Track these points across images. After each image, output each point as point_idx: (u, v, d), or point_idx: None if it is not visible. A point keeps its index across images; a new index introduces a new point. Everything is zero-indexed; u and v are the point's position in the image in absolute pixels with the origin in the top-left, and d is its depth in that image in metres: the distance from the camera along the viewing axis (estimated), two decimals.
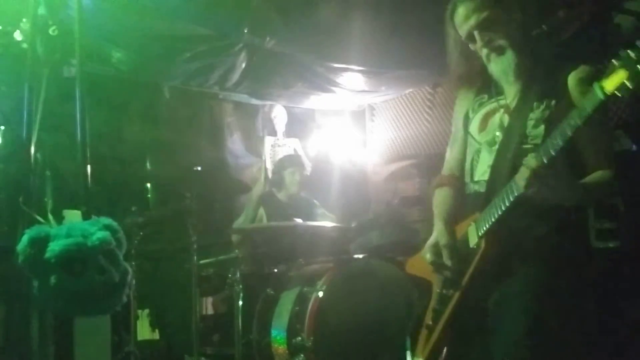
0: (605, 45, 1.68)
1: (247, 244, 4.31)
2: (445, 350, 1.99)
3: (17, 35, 2.17)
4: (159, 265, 4.71)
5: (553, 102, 1.90)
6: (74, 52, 1.95)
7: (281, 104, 5.65)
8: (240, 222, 4.45)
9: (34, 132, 1.86)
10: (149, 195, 4.60)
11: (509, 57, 1.98)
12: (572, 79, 1.90)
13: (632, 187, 3.09)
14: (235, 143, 5.46)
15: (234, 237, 4.39)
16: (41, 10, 1.94)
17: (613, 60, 1.51)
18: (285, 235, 4.19)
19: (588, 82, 1.75)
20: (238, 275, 3.64)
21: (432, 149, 5.38)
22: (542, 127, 1.89)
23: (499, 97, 2.07)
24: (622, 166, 1.92)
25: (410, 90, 5.58)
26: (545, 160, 1.68)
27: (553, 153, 1.66)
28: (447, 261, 2.00)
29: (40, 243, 1.67)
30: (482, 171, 2.03)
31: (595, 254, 2.90)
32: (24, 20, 2.06)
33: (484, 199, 1.95)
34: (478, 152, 2.07)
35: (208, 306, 4.32)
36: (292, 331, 3.44)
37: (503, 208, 1.82)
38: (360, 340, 3.41)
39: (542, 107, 1.92)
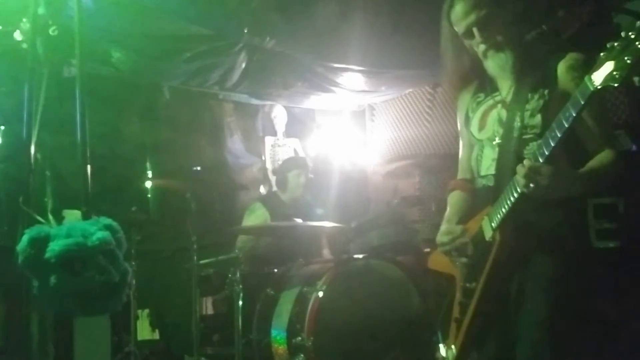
0: (603, 46, 1.70)
1: (255, 246, 4.32)
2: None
3: (17, 35, 2.17)
4: (159, 265, 4.71)
5: (546, 91, 1.96)
6: (74, 52, 1.95)
7: (281, 104, 5.65)
8: (239, 244, 4.42)
9: (34, 132, 1.86)
10: (149, 195, 4.60)
11: (507, 53, 2.03)
12: (561, 67, 1.95)
13: (632, 187, 3.09)
14: (235, 143, 5.46)
15: (242, 240, 4.38)
16: (41, 10, 1.93)
17: (601, 53, 1.58)
18: (285, 235, 4.20)
19: (577, 68, 1.87)
20: (238, 275, 3.64)
21: (432, 149, 5.38)
22: (539, 116, 1.95)
23: (494, 94, 2.13)
24: (622, 166, 1.93)
25: (410, 90, 5.58)
26: (546, 152, 1.73)
27: (552, 144, 1.73)
28: (457, 229, 2.10)
29: (40, 243, 1.67)
30: (487, 165, 2.09)
31: (596, 253, 2.92)
32: (24, 20, 2.06)
33: (493, 192, 2.01)
34: (481, 148, 2.13)
35: (208, 306, 4.32)
36: (292, 331, 3.44)
37: (512, 200, 1.88)
38: (360, 340, 3.41)
39: (537, 96, 1.98)
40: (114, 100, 4.54)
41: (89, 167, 1.91)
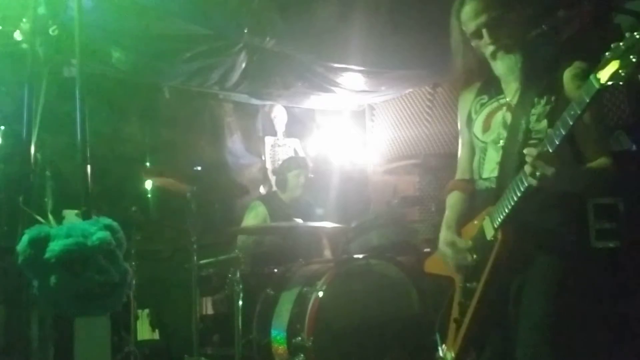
0: (605, 45, 1.71)
1: (255, 245, 4.31)
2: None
3: (17, 35, 2.17)
4: (159, 265, 4.70)
5: (553, 97, 1.97)
6: (74, 52, 1.95)
7: (281, 104, 5.65)
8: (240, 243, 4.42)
9: (34, 132, 1.86)
10: (149, 195, 4.60)
11: (516, 55, 2.04)
12: (567, 75, 1.97)
13: (632, 187, 3.09)
14: (235, 143, 5.46)
15: (241, 239, 4.38)
16: (41, 10, 1.94)
17: (606, 53, 1.61)
18: (285, 235, 4.19)
19: (582, 77, 1.87)
20: (238, 275, 3.64)
21: (432, 149, 5.38)
22: (545, 121, 1.96)
23: (499, 97, 2.13)
24: (622, 166, 1.94)
25: (410, 90, 5.57)
26: (550, 150, 1.75)
27: (557, 142, 1.74)
28: (461, 244, 2.10)
29: (40, 243, 1.67)
30: (490, 168, 2.09)
31: (595, 254, 2.92)
32: (24, 20, 2.06)
33: (495, 194, 2.01)
34: (484, 150, 2.13)
35: (208, 306, 4.32)
36: (292, 331, 3.44)
37: (515, 199, 1.89)
38: (360, 340, 3.41)
39: (543, 102, 1.99)
40: (114, 100, 4.54)
41: (89, 167, 1.91)
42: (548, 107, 1.96)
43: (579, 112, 1.68)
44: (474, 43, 2.09)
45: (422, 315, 3.54)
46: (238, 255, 3.76)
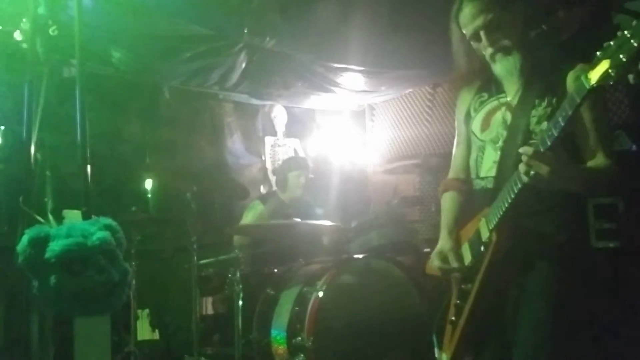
0: (600, 46, 1.72)
1: (251, 244, 4.31)
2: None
3: (17, 35, 2.17)
4: (159, 265, 4.70)
5: (554, 99, 1.95)
6: (74, 52, 1.95)
7: (281, 104, 5.65)
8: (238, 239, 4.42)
9: (34, 132, 1.86)
10: (149, 195, 4.60)
11: (515, 57, 2.03)
12: (570, 77, 1.95)
13: (632, 187, 3.09)
14: (235, 143, 5.46)
15: (237, 239, 4.39)
16: (41, 10, 1.94)
17: (597, 53, 1.60)
18: (285, 234, 4.19)
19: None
20: (238, 275, 3.64)
21: (432, 149, 5.38)
22: (545, 123, 1.94)
23: (499, 95, 2.12)
24: (622, 166, 1.93)
25: (410, 90, 5.57)
26: (542, 149, 1.74)
27: (549, 143, 1.73)
28: (454, 263, 2.09)
29: (40, 243, 1.67)
30: (487, 167, 2.08)
31: (595, 254, 2.92)
32: (24, 20, 2.06)
33: (492, 195, 2.00)
34: (482, 149, 2.12)
35: (208, 306, 4.32)
36: (292, 331, 3.44)
37: (510, 200, 1.87)
38: (360, 340, 3.41)
39: (544, 104, 1.97)
40: (114, 100, 4.54)
41: (89, 167, 1.91)
42: (549, 109, 1.95)
43: (570, 112, 1.67)
44: (474, 46, 2.09)
45: (422, 315, 3.54)
46: (238, 255, 3.76)
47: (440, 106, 5.35)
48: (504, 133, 2.04)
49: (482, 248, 2.00)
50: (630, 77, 1.55)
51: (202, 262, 3.84)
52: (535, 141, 1.92)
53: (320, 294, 3.41)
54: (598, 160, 1.91)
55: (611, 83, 1.58)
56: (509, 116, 2.05)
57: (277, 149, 5.68)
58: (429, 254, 2.28)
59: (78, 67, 1.94)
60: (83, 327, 2.95)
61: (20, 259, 1.67)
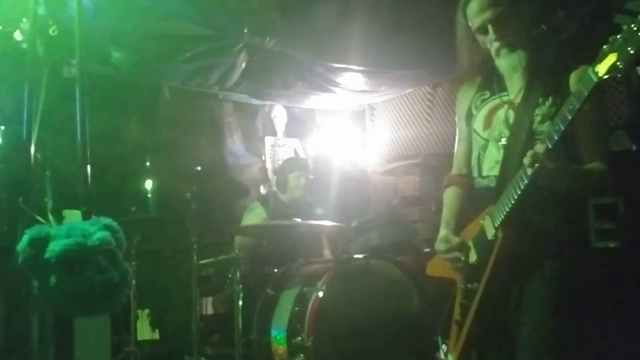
0: (605, 41, 1.73)
1: (252, 245, 4.31)
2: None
3: (17, 35, 2.17)
4: (159, 265, 4.70)
5: (558, 99, 1.96)
6: (74, 52, 1.95)
7: (281, 104, 5.65)
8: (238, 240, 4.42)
9: (34, 132, 1.86)
10: (149, 195, 4.59)
11: (520, 54, 2.04)
12: (573, 78, 1.96)
13: (632, 187, 3.09)
14: (235, 143, 5.46)
15: (238, 240, 4.38)
16: (41, 10, 1.94)
17: (604, 47, 1.63)
18: (285, 235, 4.19)
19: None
20: (238, 275, 3.64)
21: (432, 149, 5.38)
22: (549, 123, 1.95)
23: (501, 94, 2.12)
24: (622, 166, 1.94)
25: (410, 90, 5.57)
26: (549, 145, 1.75)
27: (556, 137, 1.74)
28: (454, 240, 2.12)
29: (40, 243, 1.67)
30: (490, 166, 2.09)
31: (596, 254, 2.92)
32: (24, 20, 2.06)
33: (496, 194, 2.00)
34: (484, 147, 2.12)
35: (208, 306, 4.32)
36: (292, 331, 3.44)
37: (516, 197, 1.88)
38: (360, 340, 3.41)
39: (549, 103, 1.98)
40: (114, 100, 4.54)
41: (89, 167, 1.91)
42: (553, 109, 1.95)
43: (577, 106, 1.68)
44: (479, 39, 2.09)
45: (422, 315, 3.54)
46: (238, 255, 3.76)
47: (440, 106, 5.34)
48: (507, 131, 2.04)
49: (487, 246, 2.00)
50: (639, 69, 1.58)
51: (202, 262, 3.85)
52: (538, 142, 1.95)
53: (320, 294, 3.41)
54: (594, 163, 1.92)
55: (619, 75, 1.61)
56: (511, 114, 2.05)
57: (277, 149, 5.68)
58: (429, 254, 2.28)
59: (78, 67, 1.94)
60: (83, 327, 2.94)
61: (20, 259, 1.67)
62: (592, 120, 1.90)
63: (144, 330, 4.60)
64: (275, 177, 4.98)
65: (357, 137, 6.11)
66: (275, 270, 3.99)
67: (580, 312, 1.95)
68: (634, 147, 3.33)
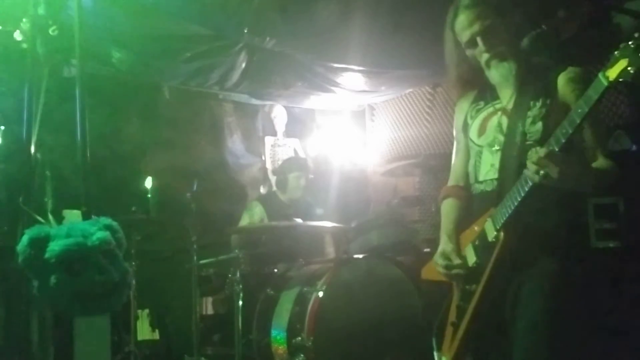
0: (605, 45, 1.75)
1: (248, 245, 4.31)
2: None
3: (17, 35, 2.17)
4: (159, 265, 4.70)
5: (548, 100, 2.00)
6: (74, 52, 1.95)
7: (281, 104, 5.65)
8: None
9: (34, 132, 1.86)
10: (149, 195, 4.59)
11: (510, 63, 2.08)
12: (561, 79, 2.01)
13: (632, 187, 3.09)
14: (235, 143, 5.46)
15: (234, 239, 4.39)
16: (41, 10, 1.94)
17: (615, 52, 1.66)
18: (285, 235, 4.19)
19: (577, 81, 1.96)
20: (238, 275, 3.64)
21: (432, 149, 5.38)
22: (540, 123, 1.99)
23: (494, 102, 2.16)
24: (622, 166, 1.94)
25: (410, 90, 5.58)
26: (556, 149, 1.77)
27: (563, 140, 1.76)
28: (456, 261, 2.11)
29: (40, 243, 1.67)
30: (485, 171, 2.11)
31: (595, 254, 2.92)
32: (24, 20, 2.06)
33: (495, 197, 2.03)
34: (479, 154, 2.15)
35: (208, 306, 4.32)
36: (292, 331, 3.44)
37: (519, 199, 1.90)
38: (360, 340, 3.41)
39: (539, 105, 2.02)
40: (114, 100, 4.54)
41: (88, 167, 1.91)
42: (543, 110, 1.99)
43: (586, 109, 1.71)
44: (468, 52, 2.13)
45: (422, 315, 3.54)
46: (238, 255, 3.76)
47: (440, 106, 5.35)
48: (500, 137, 2.07)
49: (488, 248, 2.00)
50: None
51: (202, 262, 3.85)
52: (531, 143, 1.97)
53: (320, 294, 3.41)
54: (600, 161, 1.94)
55: (630, 80, 1.64)
56: (504, 120, 2.09)
57: (277, 149, 5.68)
58: (429, 254, 2.29)
59: (78, 67, 1.94)
60: (83, 327, 2.95)
61: (20, 259, 1.67)
62: (591, 119, 1.91)
63: (144, 330, 4.60)
64: (275, 177, 4.98)
65: (357, 137, 6.11)
66: (275, 270, 3.99)
67: (580, 312, 1.95)
68: (634, 147, 3.33)
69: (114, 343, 3.88)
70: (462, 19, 2.09)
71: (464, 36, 2.10)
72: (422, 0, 3.66)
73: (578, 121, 1.72)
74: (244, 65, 4.55)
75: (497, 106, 2.14)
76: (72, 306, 1.71)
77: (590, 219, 3.16)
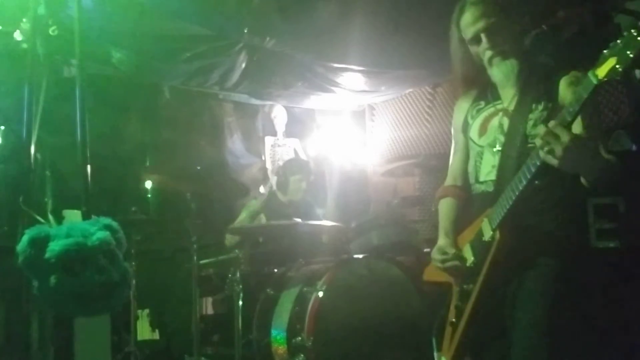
0: (605, 45, 1.75)
1: (245, 245, 4.31)
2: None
3: (17, 35, 2.17)
4: (159, 265, 4.71)
5: (550, 104, 2.01)
6: (74, 52, 1.95)
7: (281, 104, 5.65)
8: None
9: (34, 132, 1.86)
10: (149, 195, 4.60)
11: (512, 62, 2.09)
12: (563, 83, 2.01)
13: (632, 187, 3.08)
14: (235, 143, 5.46)
15: (228, 239, 4.38)
16: (41, 10, 1.94)
17: (604, 51, 1.68)
18: (285, 235, 4.19)
19: (576, 85, 1.89)
20: (238, 275, 3.64)
21: (432, 149, 5.38)
22: (542, 126, 1.95)
23: (495, 102, 2.17)
24: (622, 166, 1.94)
25: (410, 90, 5.57)
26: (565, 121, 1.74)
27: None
28: (451, 251, 2.13)
29: (40, 243, 1.67)
30: (486, 171, 2.11)
31: (595, 254, 2.92)
32: (24, 20, 2.06)
33: (493, 197, 2.03)
34: (480, 154, 2.15)
35: (208, 306, 4.32)
36: (292, 331, 3.44)
37: (514, 198, 1.90)
38: (360, 340, 3.41)
39: (541, 107, 2.02)
40: (114, 100, 4.54)
41: (89, 167, 1.91)
42: (545, 113, 2.00)
43: (577, 108, 1.72)
44: (472, 49, 2.14)
45: (422, 315, 3.54)
46: (238, 255, 3.76)
47: (440, 106, 5.35)
48: (501, 137, 2.08)
49: (484, 247, 2.00)
50: (638, 72, 1.62)
51: (202, 262, 3.85)
52: (532, 146, 1.95)
53: (320, 294, 3.41)
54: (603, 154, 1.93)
55: (618, 78, 1.66)
56: (505, 121, 2.09)
57: (277, 149, 5.68)
58: (429, 254, 2.29)
59: (78, 67, 1.95)
60: (83, 327, 2.94)
61: (20, 259, 1.67)
62: (588, 119, 1.92)
63: (144, 330, 4.60)
64: (275, 178, 4.98)
65: (357, 137, 6.11)
66: (275, 270, 3.99)
67: (580, 312, 1.95)
68: (634, 147, 3.33)
69: (114, 343, 3.88)
70: (468, 15, 2.11)
71: (469, 32, 2.11)
72: (422, 0, 3.66)
73: (569, 119, 1.73)
74: (244, 65, 4.55)
75: (499, 107, 2.14)
76: (72, 306, 1.71)
77: (590, 219, 3.16)
